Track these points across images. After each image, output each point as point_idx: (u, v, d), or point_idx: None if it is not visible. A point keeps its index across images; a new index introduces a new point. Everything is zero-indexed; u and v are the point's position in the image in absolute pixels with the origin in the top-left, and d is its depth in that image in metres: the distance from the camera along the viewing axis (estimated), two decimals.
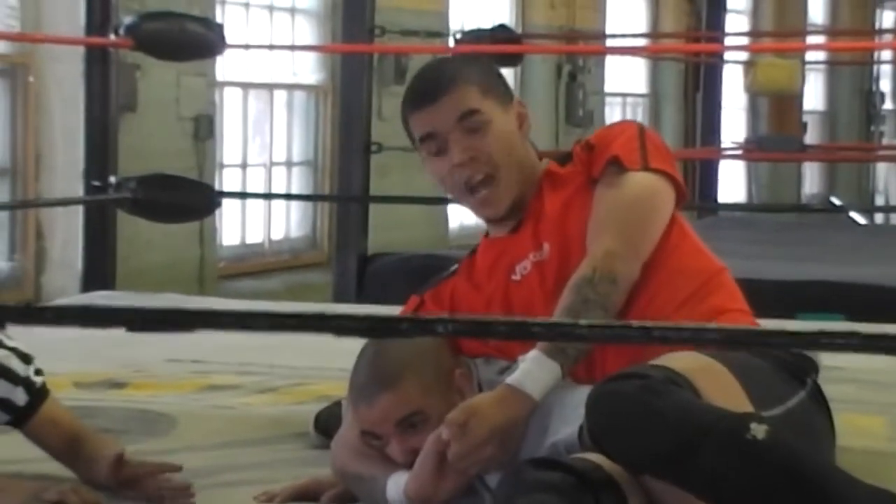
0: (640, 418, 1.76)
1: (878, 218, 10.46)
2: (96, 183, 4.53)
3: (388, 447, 2.00)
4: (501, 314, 2.12)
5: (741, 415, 1.79)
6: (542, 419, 1.94)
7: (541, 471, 1.81)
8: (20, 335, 2.17)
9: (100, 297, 4.18)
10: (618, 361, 1.98)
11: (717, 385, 1.85)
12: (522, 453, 1.93)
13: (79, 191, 4.73)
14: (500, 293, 2.15)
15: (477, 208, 2.16)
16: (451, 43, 6.28)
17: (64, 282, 5.19)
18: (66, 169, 5.23)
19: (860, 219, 8.34)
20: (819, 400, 2.03)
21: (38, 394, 2.18)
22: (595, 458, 1.83)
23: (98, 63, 4.57)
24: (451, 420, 1.92)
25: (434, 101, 2.11)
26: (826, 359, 2.07)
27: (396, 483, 1.99)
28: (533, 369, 1.94)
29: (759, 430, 1.71)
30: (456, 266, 2.26)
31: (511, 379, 1.96)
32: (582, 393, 1.91)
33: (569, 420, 1.91)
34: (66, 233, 5.24)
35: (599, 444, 1.81)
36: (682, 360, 1.84)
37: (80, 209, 4.75)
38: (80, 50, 4.73)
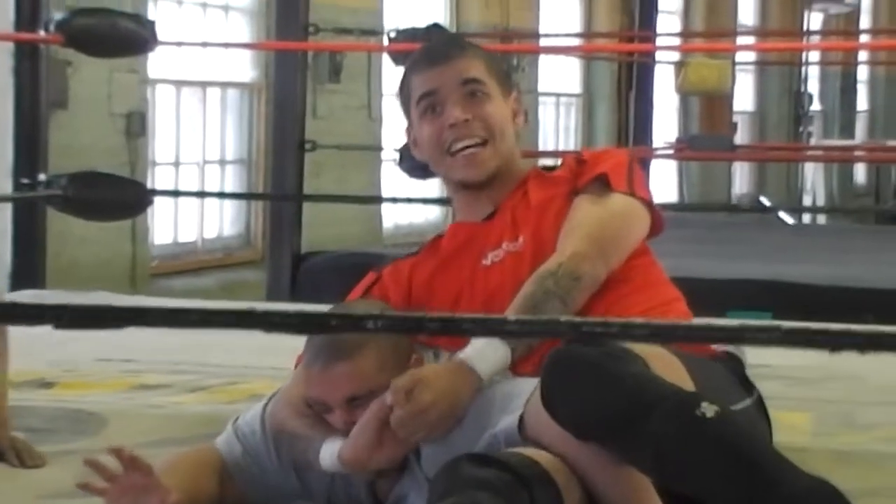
0: (593, 380, 1.79)
1: (806, 217, 10.62)
2: (26, 180, 4.48)
3: (331, 415, 2.00)
4: (465, 297, 2.15)
5: (694, 392, 1.83)
6: (484, 409, 1.95)
7: (476, 467, 1.82)
8: None
9: (28, 296, 4.14)
10: None
11: (670, 371, 1.88)
12: (463, 442, 1.93)
13: (8, 188, 4.67)
14: (466, 276, 2.17)
15: (460, 168, 2.17)
16: (386, 41, 6.28)
17: None
18: None
19: (788, 218, 8.47)
20: (762, 410, 2.08)
21: None
22: (532, 452, 1.84)
23: (28, 59, 4.51)
24: (397, 385, 1.93)
25: (441, 63, 2.18)
26: (754, 357, 2.11)
27: (331, 446, 1.99)
28: (484, 349, 1.97)
29: (709, 409, 1.74)
30: (419, 247, 2.27)
31: (462, 354, 1.98)
32: (523, 384, 1.93)
33: (509, 410, 1.92)
34: None
35: (551, 406, 1.82)
36: (638, 345, 1.87)
37: (8, 207, 4.70)
38: (9, 46, 4.67)
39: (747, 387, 2.08)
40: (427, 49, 2.28)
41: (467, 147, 2.15)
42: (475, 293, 2.15)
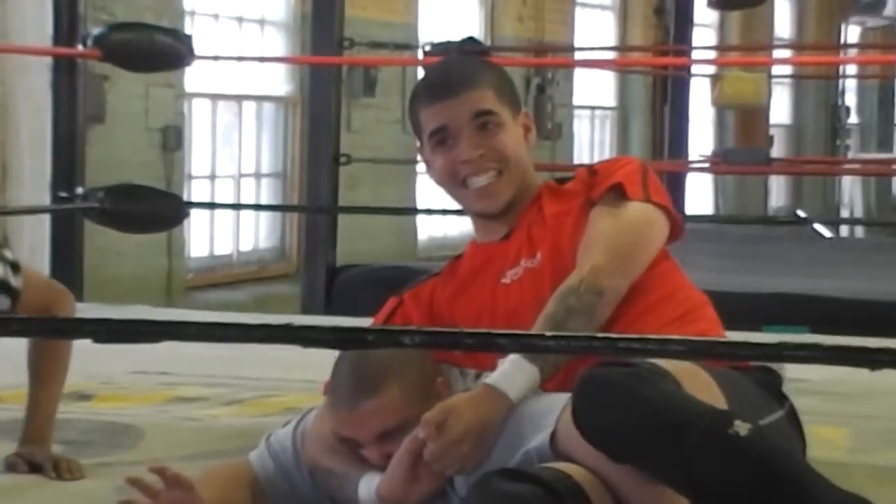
0: (625, 402, 1.78)
1: (843, 231, 10.55)
2: (63, 194, 4.51)
3: (365, 450, 2.00)
4: (486, 316, 2.14)
5: (726, 410, 1.82)
6: (515, 427, 1.95)
7: (508, 482, 1.81)
8: None
9: None
10: None
11: (701, 388, 1.87)
12: (495, 461, 1.93)
13: (46, 201, 4.71)
14: (486, 295, 2.16)
15: (475, 200, 2.17)
16: (420, 55, 6.30)
17: None
18: (33, 180, 5.21)
19: (825, 231, 8.41)
20: (794, 422, 2.07)
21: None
22: (565, 467, 1.84)
23: (65, 74, 4.55)
24: (428, 419, 1.92)
25: (451, 97, 2.14)
26: (791, 371, 2.09)
27: (369, 483, 1.98)
28: (512, 371, 1.96)
29: (742, 427, 1.73)
30: (433, 272, 2.27)
31: (489, 379, 1.97)
32: (553, 400, 1.93)
33: (541, 427, 1.91)
34: (33, 243, 5.22)
35: (583, 428, 1.82)
36: (668, 362, 1.86)
37: (47, 220, 4.73)
38: (48, 60, 4.71)
39: (779, 398, 2.06)
40: (435, 80, 2.23)
41: (479, 180, 2.14)
42: (496, 312, 2.14)
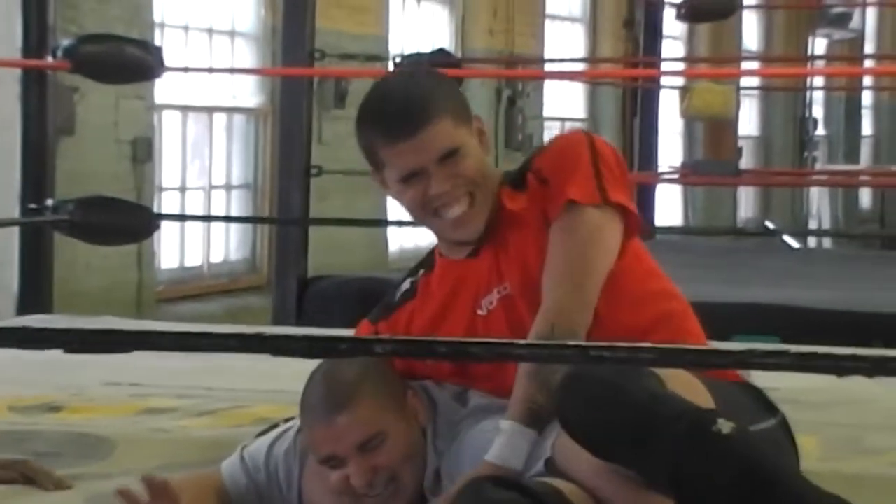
0: (610, 399, 1.79)
1: (811, 242, 10.62)
2: (33, 205, 4.49)
3: (348, 468, 2.00)
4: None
5: (710, 409, 1.83)
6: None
7: (497, 489, 1.82)
8: None
9: (36, 321, 4.14)
10: None
11: (687, 389, 1.87)
12: None
13: (15, 214, 4.69)
14: (464, 327, 2.15)
15: (450, 230, 2.14)
16: (391, 67, 6.31)
17: None
18: (2, 192, 5.18)
19: (794, 243, 8.47)
20: (787, 431, 2.08)
21: None
22: (557, 482, 1.85)
23: (35, 85, 4.53)
24: None
25: (411, 137, 2.08)
26: (760, 380, 2.11)
27: None
28: (513, 442, 1.95)
29: (725, 426, 1.74)
30: (405, 288, 2.25)
31: (492, 456, 1.95)
32: (550, 427, 1.93)
33: (535, 456, 1.93)
34: (2, 256, 5.19)
35: (569, 424, 1.83)
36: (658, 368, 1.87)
37: (15, 232, 4.71)
38: (17, 72, 4.69)
39: (770, 409, 2.07)
40: (388, 116, 2.12)
41: (451, 211, 2.11)
42: None
